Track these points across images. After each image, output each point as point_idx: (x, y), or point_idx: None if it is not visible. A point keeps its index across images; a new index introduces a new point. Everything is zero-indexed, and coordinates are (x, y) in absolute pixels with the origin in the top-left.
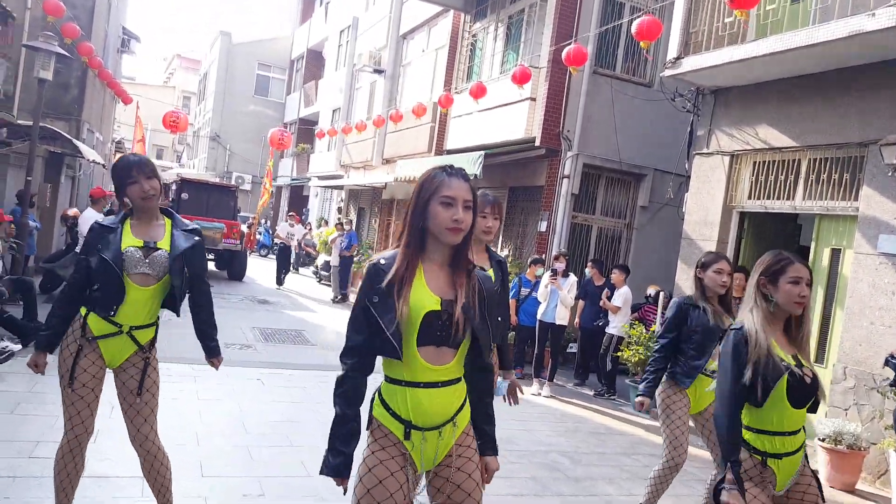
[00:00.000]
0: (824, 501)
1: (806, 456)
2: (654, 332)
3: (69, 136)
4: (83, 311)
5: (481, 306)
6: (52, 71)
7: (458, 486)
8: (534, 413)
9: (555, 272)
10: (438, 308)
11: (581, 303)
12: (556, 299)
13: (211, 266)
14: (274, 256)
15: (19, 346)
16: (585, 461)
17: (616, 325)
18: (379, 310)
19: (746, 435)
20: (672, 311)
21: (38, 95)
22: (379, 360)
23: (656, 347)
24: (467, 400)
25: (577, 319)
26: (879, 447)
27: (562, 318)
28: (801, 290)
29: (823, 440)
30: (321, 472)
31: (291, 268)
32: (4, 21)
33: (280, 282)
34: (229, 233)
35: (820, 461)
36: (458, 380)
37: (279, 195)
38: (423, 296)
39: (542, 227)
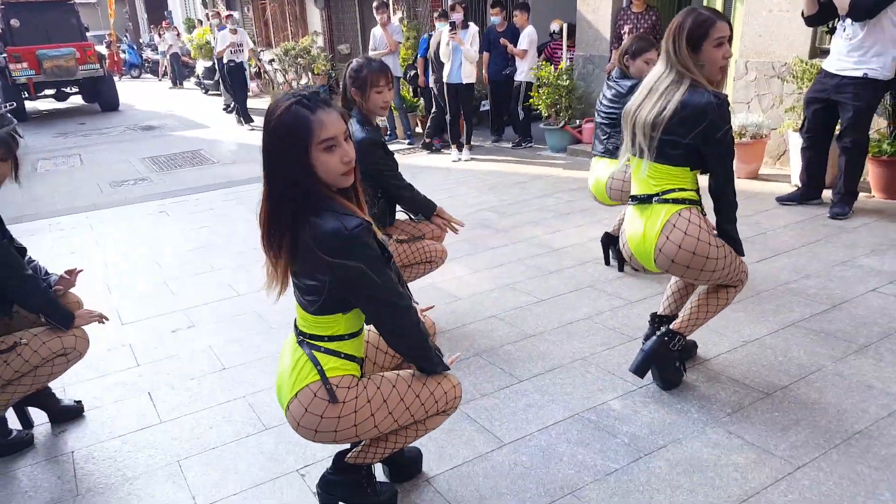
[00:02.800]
0: None
1: None
2: (562, 69)
3: None
4: None
5: None
6: None
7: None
8: (457, 179)
9: (453, 25)
10: None
11: (486, 55)
12: (460, 56)
13: (78, 99)
14: (172, 76)
15: None
16: (511, 211)
17: (524, 70)
18: None
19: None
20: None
21: None
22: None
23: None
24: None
25: (484, 73)
26: (779, 131)
27: (468, 75)
28: (726, 52)
29: None
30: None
31: (176, 83)
32: None
33: (247, 117)
34: (84, 57)
35: None
36: None
37: (133, 3)
38: None
39: None
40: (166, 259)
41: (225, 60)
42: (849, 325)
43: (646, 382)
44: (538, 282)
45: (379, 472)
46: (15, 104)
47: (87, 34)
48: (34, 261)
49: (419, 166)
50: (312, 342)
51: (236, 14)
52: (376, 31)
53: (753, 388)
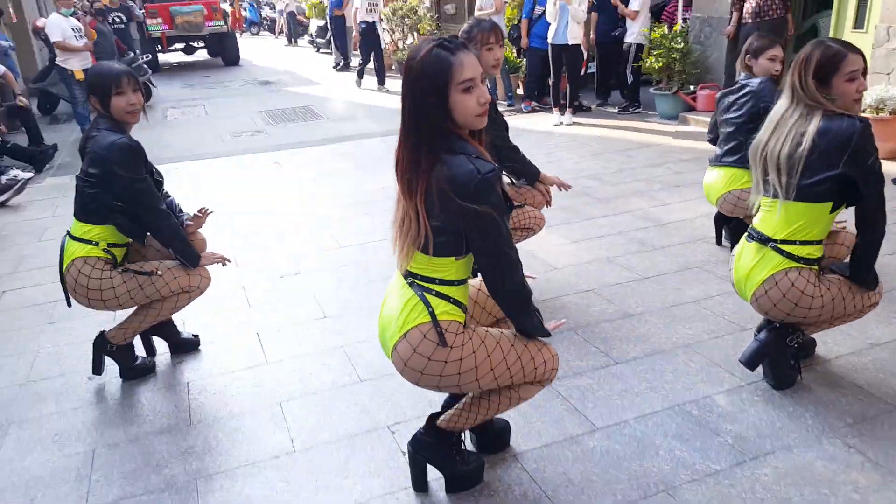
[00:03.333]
0: None
1: None
2: (676, 31)
3: None
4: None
5: None
6: None
7: None
8: (559, 143)
9: None
10: None
11: (595, 15)
12: (567, 16)
13: (203, 54)
14: (287, 34)
15: (31, 174)
16: (614, 180)
17: (634, 31)
18: None
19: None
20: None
21: None
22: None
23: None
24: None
25: (592, 35)
26: None
27: (575, 36)
28: (860, 85)
29: (864, 110)
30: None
31: (291, 41)
32: None
33: (360, 74)
34: (210, 14)
35: None
36: None
37: None
38: None
39: None
40: (279, 207)
41: (357, 20)
42: None
43: (755, 378)
44: (641, 258)
45: (468, 443)
46: (150, 56)
47: None
48: (170, 196)
49: (519, 128)
50: (424, 284)
51: None
52: None
53: (880, 398)
